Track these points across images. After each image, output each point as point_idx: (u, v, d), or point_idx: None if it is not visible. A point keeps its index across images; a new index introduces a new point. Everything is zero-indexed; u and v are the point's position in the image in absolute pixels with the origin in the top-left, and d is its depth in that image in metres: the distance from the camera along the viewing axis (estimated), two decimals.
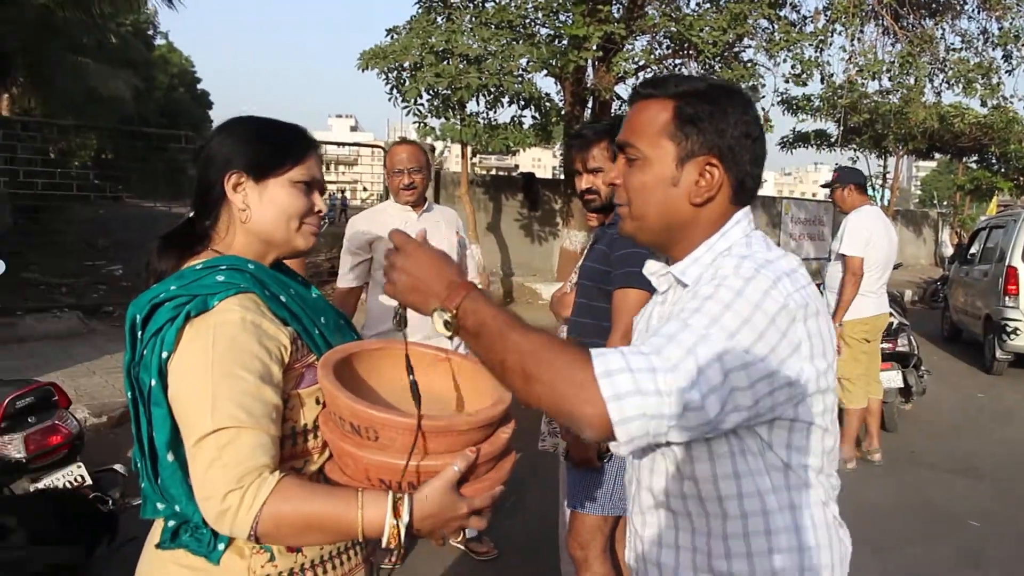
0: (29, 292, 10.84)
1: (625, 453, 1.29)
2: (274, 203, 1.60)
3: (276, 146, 1.62)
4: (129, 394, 1.51)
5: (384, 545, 1.37)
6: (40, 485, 3.76)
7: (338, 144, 17.14)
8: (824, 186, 6.47)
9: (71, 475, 3.87)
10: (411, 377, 1.42)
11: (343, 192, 29.90)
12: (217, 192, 1.60)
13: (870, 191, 6.44)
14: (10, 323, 8.85)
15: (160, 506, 1.51)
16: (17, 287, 10.61)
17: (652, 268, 1.62)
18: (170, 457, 1.46)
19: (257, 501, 1.34)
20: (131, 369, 1.50)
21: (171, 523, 1.51)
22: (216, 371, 1.40)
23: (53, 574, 3.45)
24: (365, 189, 18.77)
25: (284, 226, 1.61)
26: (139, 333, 1.49)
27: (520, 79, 11.85)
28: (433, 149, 14.08)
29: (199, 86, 53.99)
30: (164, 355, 1.43)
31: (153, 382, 1.44)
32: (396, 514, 1.35)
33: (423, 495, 1.35)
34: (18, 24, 16.97)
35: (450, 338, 1.32)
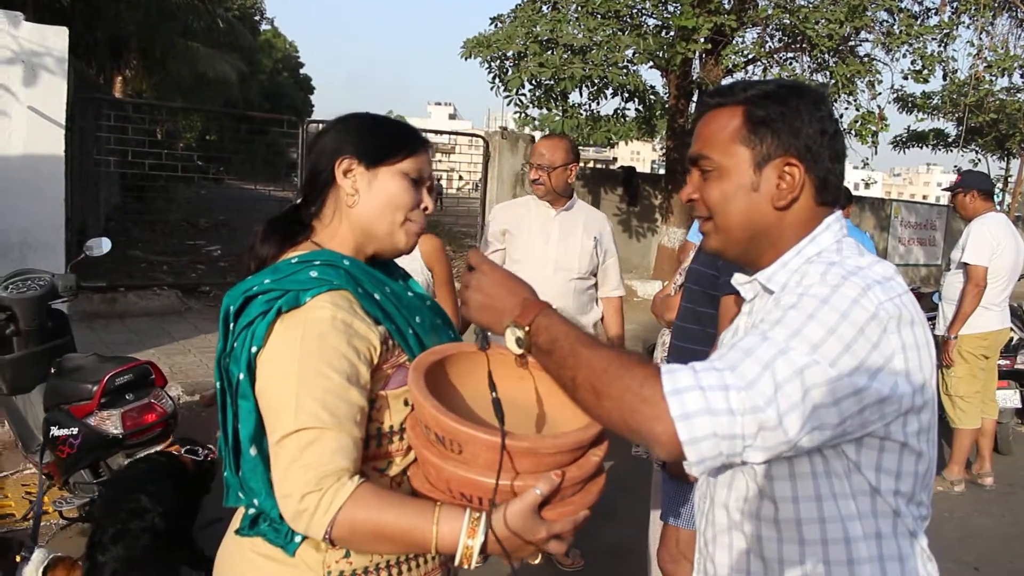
0: (132, 269, 11.27)
1: (698, 473, 1.26)
2: (382, 192, 1.60)
3: (390, 136, 1.64)
4: (218, 384, 1.53)
5: (456, 563, 1.35)
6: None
7: (436, 132, 17.27)
8: (947, 190, 6.20)
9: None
10: (494, 395, 1.40)
11: (439, 180, 30.28)
12: (326, 177, 1.61)
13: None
14: (113, 299, 9.22)
15: (241, 496, 1.53)
16: (121, 264, 11.06)
17: (740, 278, 1.59)
18: (253, 451, 1.47)
19: (334, 506, 1.35)
20: (222, 360, 1.52)
21: (251, 511, 1.53)
22: (303, 369, 1.40)
23: (183, 530, 3.56)
24: (461, 178, 18.92)
25: (389, 217, 1.61)
26: (231, 325, 1.51)
27: (625, 71, 11.74)
28: (533, 140, 14.05)
29: (302, 71, 55.39)
30: (254, 349, 1.44)
31: (242, 375, 1.46)
32: (471, 533, 1.33)
33: (502, 516, 1.32)
34: (133, 8, 17.70)
35: (522, 356, 1.35)
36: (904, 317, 1.29)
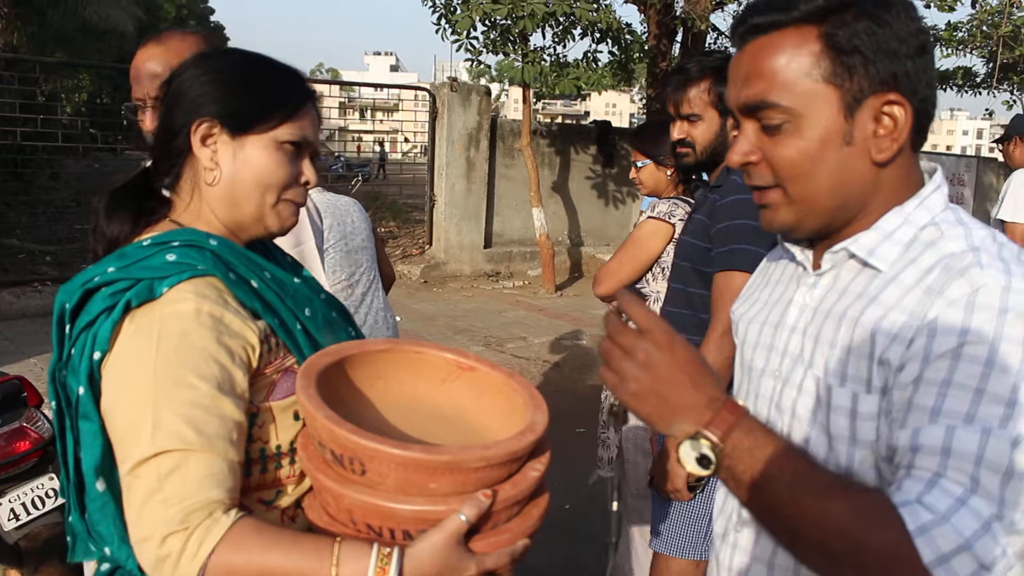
0: (8, 262, 11.03)
1: None
2: (250, 167, 1.51)
3: (264, 93, 1.54)
4: (54, 404, 1.45)
5: None
6: (4, 501, 3.74)
7: (376, 86, 17.14)
8: (996, 141, 6.19)
9: (41, 489, 3.86)
10: None
11: (381, 144, 30.06)
12: (181, 143, 1.51)
13: None
14: None
15: (91, 547, 1.44)
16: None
17: (791, 245, 1.45)
18: (100, 486, 1.38)
19: (204, 548, 1.26)
20: (56, 372, 1.43)
21: (104, 566, 1.44)
22: (160, 377, 1.32)
23: None
24: (407, 140, 18.80)
25: (257, 198, 1.52)
26: (68, 327, 1.42)
27: (596, 5, 11.65)
28: (488, 92, 13.95)
29: (212, 18, 54.71)
30: (97, 356, 1.36)
31: (82, 389, 1.37)
32: (380, 574, 1.26)
33: (417, 551, 1.26)
34: None
35: (704, 479, 1.16)
36: None
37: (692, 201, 3.47)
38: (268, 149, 1.51)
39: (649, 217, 3.52)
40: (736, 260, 2.55)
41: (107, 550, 1.41)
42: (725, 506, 1.55)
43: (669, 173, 3.62)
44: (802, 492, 1.12)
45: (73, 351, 1.39)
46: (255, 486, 1.44)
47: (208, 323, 1.37)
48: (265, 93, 1.53)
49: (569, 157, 14.59)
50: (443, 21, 11.94)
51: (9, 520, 3.60)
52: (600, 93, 14.74)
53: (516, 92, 12.58)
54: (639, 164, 3.73)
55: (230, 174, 1.50)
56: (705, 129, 2.91)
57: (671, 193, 3.64)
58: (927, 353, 1.15)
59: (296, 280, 1.60)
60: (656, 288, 3.53)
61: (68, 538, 1.47)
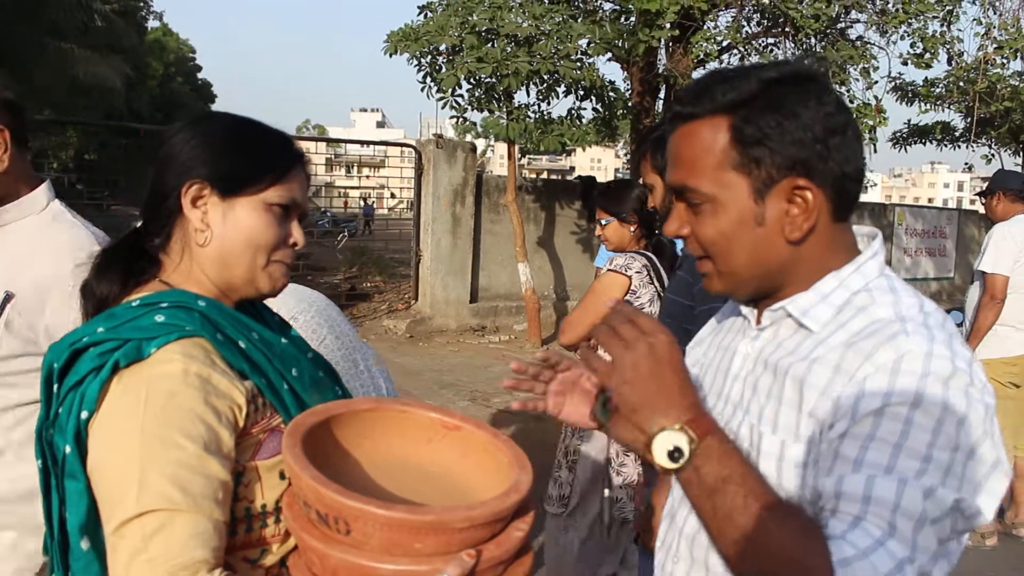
0: None
1: None
2: (240, 228, 1.53)
3: (253, 155, 1.56)
4: (39, 463, 1.45)
5: None
6: None
7: (362, 143, 17.20)
8: (978, 194, 6.30)
9: None
10: None
11: (367, 199, 30.11)
12: (172, 204, 1.53)
13: None
14: None
15: None
16: None
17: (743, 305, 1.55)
18: (84, 545, 1.38)
19: None
20: (43, 431, 1.43)
21: None
22: (147, 436, 1.32)
23: None
24: (393, 196, 18.86)
25: (249, 260, 1.54)
26: (56, 386, 1.42)
27: (579, 64, 11.76)
28: (474, 149, 14.04)
29: (200, 75, 55.08)
30: (84, 415, 1.36)
31: (68, 448, 1.37)
32: None
33: None
34: None
35: (671, 472, 1.24)
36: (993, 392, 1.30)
37: (649, 255, 3.72)
38: (258, 211, 1.53)
39: (608, 270, 3.71)
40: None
41: None
42: (667, 537, 1.62)
43: (632, 229, 3.82)
44: (757, 504, 1.19)
45: (60, 410, 1.39)
46: (240, 544, 1.44)
47: (196, 383, 1.37)
48: (255, 156, 1.56)
49: (554, 212, 14.66)
50: (428, 79, 12.03)
51: None
52: (585, 149, 14.79)
53: (502, 148, 12.73)
54: (603, 222, 3.90)
55: (220, 235, 1.52)
56: (657, 195, 3.10)
57: (634, 247, 3.83)
58: (854, 412, 1.24)
59: (283, 340, 1.60)
60: None
61: None
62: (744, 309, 1.53)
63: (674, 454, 1.22)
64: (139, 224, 1.59)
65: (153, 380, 1.36)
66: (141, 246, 1.57)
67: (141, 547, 1.27)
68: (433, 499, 1.43)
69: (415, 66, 12.01)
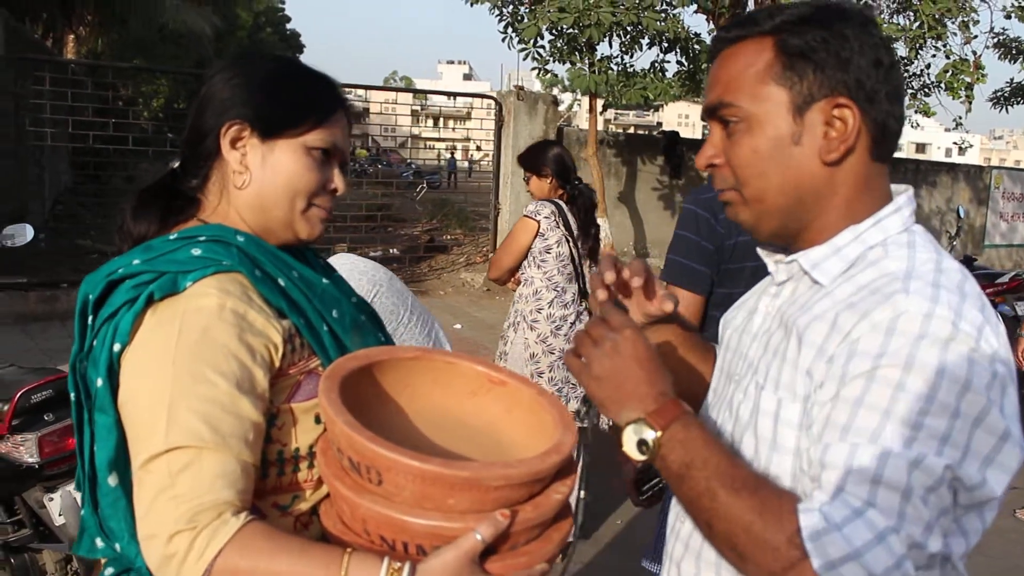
0: (79, 263, 11.25)
1: None
2: (279, 171, 1.50)
3: (295, 97, 1.52)
4: (73, 396, 1.43)
5: None
6: (56, 496, 3.79)
7: (443, 94, 17.21)
8: None
9: None
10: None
11: (452, 152, 30.16)
12: (210, 145, 1.50)
13: None
14: (53, 296, 9.20)
15: (99, 543, 1.42)
16: (68, 256, 11.04)
17: (764, 253, 1.52)
18: (112, 480, 1.36)
19: (210, 550, 1.22)
20: (77, 364, 1.42)
21: (109, 571, 1.42)
22: (179, 372, 1.30)
23: None
24: (479, 148, 18.81)
25: (287, 203, 1.50)
26: (90, 318, 1.41)
27: (663, 15, 11.57)
28: (555, 101, 13.91)
29: (289, 25, 55.51)
30: (117, 347, 1.34)
31: (100, 381, 1.36)
32: None
33: (429, 567, 1.21)
34: None
35: (642, 465, 1.30)
36: (1012, 364, 1.24)
37: (558, 202, 4.59)
38: (297, 154, 1.49)
39: (523, 215, 4.61)
40: (672, 273, 2.73)
41: (117, 546, 1.39)
42: (675, 524, 1.60)
43: (549, 182, 4.67)
44: (718, 484, 1.20)
45: (95, 342, 1.38)
46: (271, 489, 1.41)
47: (230, 320, 1.34)
48: (296, 98, 1.52)
49: (636, 167, 14.51)
50: (510, 30, 11.94)
51: (60, 516, 3.62)
52: (666, 105, 14.56)
53: (587, 102, 12.60)
54: (525, 179, 4.80)
55: (259, 178, 1.49)
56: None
57: (553, 197, 4.66)
58: (844, 373, 1.20)
59: (325, 281, 1.57)
60: (531, 274, 4.61)
61: (78, 531, 1.46)
62: (770, 265, 1.50)
63: (641, 446, 1.26)
64: (176, 165, 1.56)
65: (188, 314, 1.33)
66: (178, 187, 1.54)
67: (167, 484, 1.25)
68: (473, 453, 1.39)
69: (496, 15, 11.93)
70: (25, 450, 3.69)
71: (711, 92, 1.40)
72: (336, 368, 1.37)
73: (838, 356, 1.22)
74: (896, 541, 1.11)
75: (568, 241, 4.59)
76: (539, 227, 4.52)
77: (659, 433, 1.24)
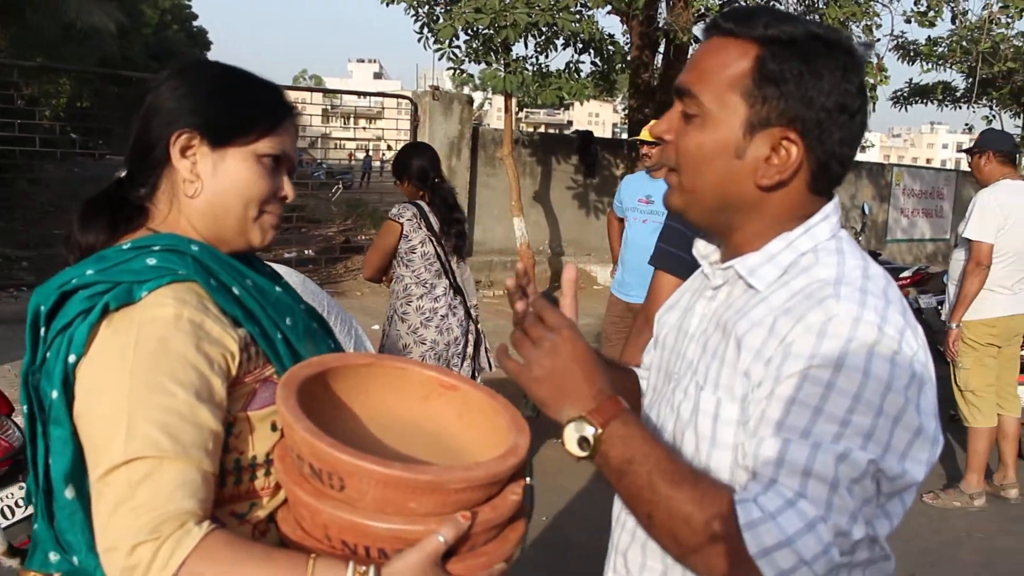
0: None
1: None
2: (231, 179, 1.50)
3: (245, 105, 1.52)
4: (25, 408, 1.41)
5: None
6: None
7: (358, 94, 17.09)
8: (964, 151, 6.24)
9: (11, 498, 3.79)
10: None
11: (367, 152, 29.90)
12: (159, 154, 1.49)
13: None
14: None
15: (53, 557, 1.40)
16: None
17: (703, 250, 1.57)
18: (69, 493, 1.35)
19: (174, 560, 1.21)
20: (29, 376, 1.40)
21: None
22: (136, 382, 1.29)
23: None
24: (390, 148, 18.73)
25: (240, 211, 1.51)
26: (43, 330, 1.39)
27: (578, 16, 11.65)
28: (470, 101, 13.93)
29: (195, 23, 54.51)
30: (71, 359, 1.33)
31: (55, 393, 1.34)
32: None
33: (393, 570, 1.23)
34: None
35: (585, 459, 1.28)
36: (930, 366, 1.32)
37: (419, 204, 4.92)
38: (248, 162, 1.49)
39: (387, 218, 4.98)
40: (662, 259, 2.87)
41: (75, 559, 1.37)
42: (620, 514, 1.65)
43: (407, 184, 5.06)
44: (658, 479, 1.25)
45: (48, 354, 1.36)
46: (228, 498, 1.41)
47: (187, 329, 1.34)
48: (246, 105, 1.52)
49: (551, 167, 14.59)
50: (425, 30, 11.90)
51: None
52: (582, 103, 14.65)
53: (499, 100, 12.58)
54: (395, 183, 5.23)
55: (211, 186, 1.48)
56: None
57: (415, 198, 5.01)
58: (779, 373, 1.27)
59: (277, 289, 1.57)
60: (400, 272, 4.94)
61: (30, 546, 1.43)
62: (706, 268, 1.55)
63: (582, 443, 1.28)
64: (122, 174, 1.55)
65: (144, 324, 1.32)
66: (125, 196, 1.53)
67: (127, 495, 1.24)
68: (427, 458, 1.41)
69: (412, 16, 11.89)
70: None
71: (688, 73, 1.42)
72: (292, 376, 1.37)
73: (774, 358, 1.29)
74: (824, 529, 1.19)
75: (431, 240, 4.94)
76: (402, 229, 4.88)
77: (599, 430, 1.26)
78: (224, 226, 1.50)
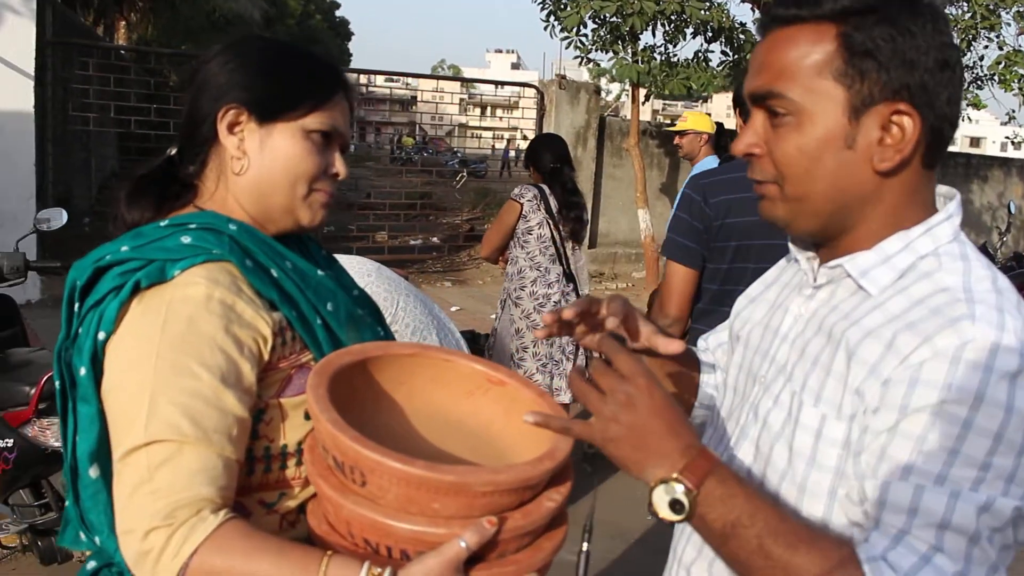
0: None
1: None
2: (278, 156, 1.46)
3: (292, 79, 1.48)
4: (57, 383, 1.40)
5: None
6: None
7: (485, 82, 17.16)
8: None
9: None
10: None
11: (508, 141, 30.05)
12: (207, 130, 1.46)
13: None
14: None
15: (82, 536, 1.39)
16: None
17: (797, 251, 1.40)
18: (93, 472, 1.33)
19: (186, 548, 1.18)
20: (62, 351, 1.39)
21: (91, 564, 1.39)
22: (161, 363, 1.26)
23: None
24: (525, 138, 18.74)
25: (287, 189, 1.46)
26: (77, 304, 1.38)
27: (708, 4, 11.43)
28: (598, 90, 13.80)
29: (338, 13, 55.80)
30: (101, 335, 1.31)
31: (83, 370, 1.32)
32: None
33: (411, 573, 1.16)
34: None
35: (678, 522, 1.15)
36: None
37: (540, 186, 4.97)
38: (296, 138, 1.45)
39: (510, 198, 5.04)
40: (670, 249, 3.04)
41: (97, 540, 1.36)
42: (670, 570, 1.53)
43: (531, 172, 5.20)
44: (771, 542, 1.11)
45: (80, 330, 1.35)
46: (257, 485, 1.37)
47: (218, 310, 1.31)
48: (293, 80, 1.48)
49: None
50: (552, 18, 11.86)
51: None
52: (712, 95, 14.32)
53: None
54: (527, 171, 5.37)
55: (258, 163, 1.45)
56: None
57: (536, 181, 5.11)
58: (905, 404, 1.12)
59: (320, 272, 1.52)
60: (516, 254, 5.01)
61: (62, 523, 1.43)
62: (804, 263, 1.38)
63: (675, 506, 1.14)
64: (173, 151, 1.53)
65: (174, 303, 1.30)
66: (175, 174, 1.51)
67: (146, 477, 1.22)
68: (467, 456, 1.35)
69: (539, 4, 11.86)
70: (52, 434, 3.71)
71: (758, 76, 1.27)
72: (327, 363, 1.33)
73: (896, 381, 1.14)
74: None
75: (549, 223, 4.95)
76: (522, 208, 4.94)
77: (695, 491, 1.13)
78: (271, 204, 1.47)
